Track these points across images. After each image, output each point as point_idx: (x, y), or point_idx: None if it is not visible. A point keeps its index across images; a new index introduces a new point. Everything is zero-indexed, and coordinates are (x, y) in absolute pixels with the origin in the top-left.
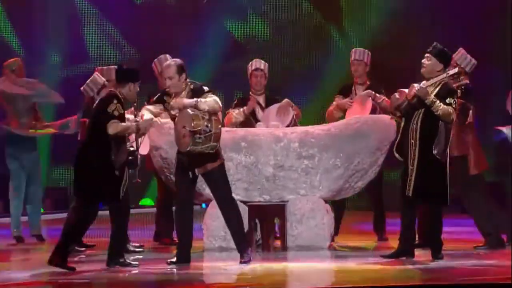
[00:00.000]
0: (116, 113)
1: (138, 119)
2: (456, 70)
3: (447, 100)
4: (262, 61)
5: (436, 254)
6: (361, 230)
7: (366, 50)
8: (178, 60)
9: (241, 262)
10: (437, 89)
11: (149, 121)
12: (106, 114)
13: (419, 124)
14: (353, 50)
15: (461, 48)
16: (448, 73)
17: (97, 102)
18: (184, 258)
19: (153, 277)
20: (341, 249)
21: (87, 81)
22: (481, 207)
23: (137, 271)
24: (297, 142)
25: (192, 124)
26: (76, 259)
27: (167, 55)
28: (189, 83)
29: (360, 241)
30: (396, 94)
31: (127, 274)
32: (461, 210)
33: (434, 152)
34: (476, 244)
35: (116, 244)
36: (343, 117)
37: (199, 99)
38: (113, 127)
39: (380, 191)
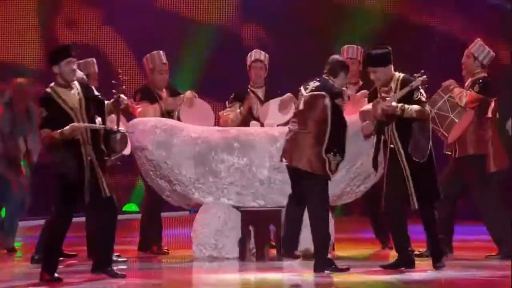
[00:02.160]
0: (40, 120)
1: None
2: (418, 81)
3: (414, 97)
4: (262, 52)
5: (437, 261)
6: (361, 238)
7: (359, 47)
8: None
9: None
10: (398, 91)
11: (76, 127)
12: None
13: (394, 130)
14: (344, 47)
15: (478, 39)
16: (412, 86)
17: None
18: None
19: None
20: (342, 259)
21: None
22: (495, 211)
23: (124, 282)
24: None
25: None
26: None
27: (161, 52)
28: None
29: (361, 250)
30: (367, 122)
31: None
32: (474, 217)
33: (415, 159)
34: (489, 254)
35: (104, 250)
36: None
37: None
38: (42, 140)
39: (381, 195)
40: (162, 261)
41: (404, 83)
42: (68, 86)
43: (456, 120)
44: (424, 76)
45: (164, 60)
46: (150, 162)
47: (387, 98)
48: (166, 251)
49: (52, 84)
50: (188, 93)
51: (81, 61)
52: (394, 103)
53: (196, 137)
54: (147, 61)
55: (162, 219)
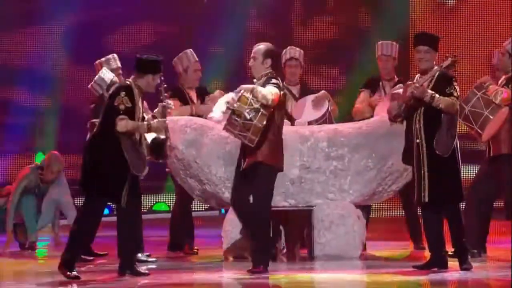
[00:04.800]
0: (122, 106)
1: (149, 118)
2: (449, 61)
3: (447, 90)
4: (297, 49)
5: (463, 263)
6: (393, 237)
7: (394, 43)
8: (269, 45)
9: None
10: (433, 81)
11: (162, 122)
12: (113, 108)
13: (422, 122)
14: (379, 43)
15: None
16: (442, 66)
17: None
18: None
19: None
20: (374, 259)
21: (94, 78)
22: None
23: (146, 282)
24: (325, 142)
25: (235, 105)
26: (83, 268)
27: (191, 50)
28: (268, 72)
29: (394, 250)
30: (395, 102)
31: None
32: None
33: (437, 151)
34: None
35: (126, 250)
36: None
37: (256, 86)
38: (121, 125)
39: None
40: (192, 261)
41: (441, 77)
42: (140, 93)
43: (491, 117)
44: (455, 57)
45: (196, 58)
46: (180, 161)
47: (416, 78)
48: (196, 251)
49: (132, 78)
50: (217, 93)
51: (102, 59)
52: (424, 86)
53: (226, 136)
54: (181, 61)
55: (193, 218)
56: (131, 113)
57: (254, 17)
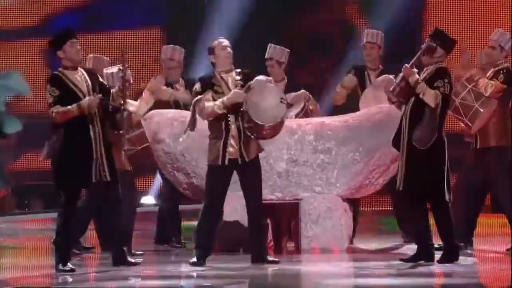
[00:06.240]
0: (50, 100)
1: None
2: (426, 45)
3: (435, 83)
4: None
5: (444, 258)
6: (381, 231)
7: (380, 32)
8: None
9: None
10: (431, 74)
11: (94, 98)
12: (48, 105)
13: (408, 112)
14: (365, 32)
15: (498, 29)
16: (421, 48)
17: None
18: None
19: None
20: (361, 252)
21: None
22: None
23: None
24: (312, 135)
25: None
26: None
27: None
28: None
29: (381, 243)
30: (382, 81)
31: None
32: (496, 209)
33: (413, 142)
34: (509, 247)
35: (118, 242)
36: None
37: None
38: (55, 118)
39: None
40: (178, 255)
41: (436, 72)
42: (74, 68)
43: (481, 110)
44: (431, 42)
45: (175, 56)
46: (167, 154)
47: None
48: (184, 244)
49: (59, 68)
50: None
51: (91, 55)
52: (414, 69)
53: None
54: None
55: (179, 212)
56: (62, 99)
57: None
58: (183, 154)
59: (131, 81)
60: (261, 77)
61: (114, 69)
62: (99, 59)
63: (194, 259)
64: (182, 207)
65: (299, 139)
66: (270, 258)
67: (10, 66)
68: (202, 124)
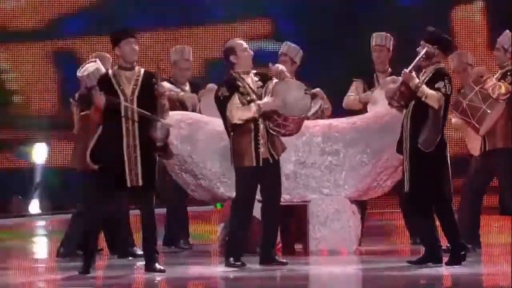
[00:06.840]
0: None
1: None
2: (424, 50)
3: (436, 85)
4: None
5: (451, 260)
6: (389, 232)
7: (388, 35)
8: None
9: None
10: (430, 75)
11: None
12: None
13: (409, 115)
14: (374, 34)
15: (507, 31)
16: (419, 52)
17: None
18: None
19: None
20: (369, 254)
21: (91, 69)
22: None
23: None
24: (320, 137)
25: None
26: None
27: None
28: None
29: (389, 245)
30: (390, 82)
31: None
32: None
33: (419, 145)
34: None
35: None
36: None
37: None
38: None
39: None
40: (187, 256)
41: (436, 73)
42: (130, 68)
43: (489, 112)
44: (429, 47)
45: (188, 57)
46: (175, 156)
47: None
48: (191, 245)
49: (115, 66)
50: (210, 86)
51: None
52: (413, 74)
53: (221, 131)
54: (174, 52)
55: (188, 213)
56: (112, 103)
57: None
58: (191, 155)
59: (166, 93)
60: (275, 66)
61: (91, 68)
62: (103, 57)
63: (231, 260)
64: (190, 209)
65: (307, 141)
66: (279, 260)
67: (18, 68)
68: (209, 126)
